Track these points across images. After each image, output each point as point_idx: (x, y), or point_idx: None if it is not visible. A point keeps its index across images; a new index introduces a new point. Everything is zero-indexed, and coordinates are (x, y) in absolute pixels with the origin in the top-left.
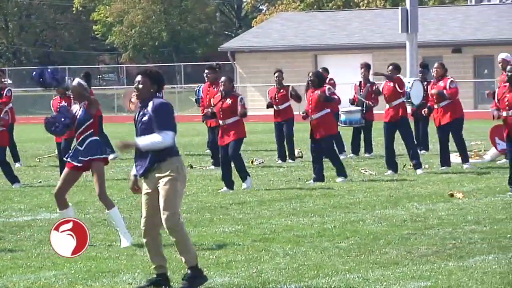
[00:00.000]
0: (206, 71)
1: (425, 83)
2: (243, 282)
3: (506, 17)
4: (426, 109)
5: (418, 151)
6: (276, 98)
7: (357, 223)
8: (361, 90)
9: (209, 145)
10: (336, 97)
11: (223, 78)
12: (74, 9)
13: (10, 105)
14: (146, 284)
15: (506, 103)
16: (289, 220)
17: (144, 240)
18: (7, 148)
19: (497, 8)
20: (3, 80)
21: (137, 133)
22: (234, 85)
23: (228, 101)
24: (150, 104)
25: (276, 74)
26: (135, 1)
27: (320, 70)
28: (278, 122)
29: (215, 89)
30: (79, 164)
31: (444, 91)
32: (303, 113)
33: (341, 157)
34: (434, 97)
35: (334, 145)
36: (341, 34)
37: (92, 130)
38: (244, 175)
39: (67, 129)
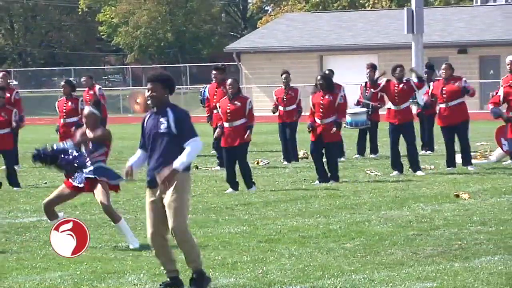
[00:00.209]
0: (214, 71)
1: (431, 83)
2: (249, 283)
3: None
4: (431, 99)
5: (424, 152)
6: (284, 99)
7: (363, 224)
8: (367, 91)
9: (214, 145)
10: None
11: (229, 81)
12: (79, 10)
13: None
14: None
15: None
16: (294, 221)
17: (153, 249)
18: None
19: (503, 8)
20: (8, 81)
21: (150, 139)
22: (240, 86)
23: (236, 103)
24: (169, 113)
25: (284, 76)
26: (140, 2)
27: (327, 71)
28: (283, 123)
29: (224, 90)
30: (80, 185)
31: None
32: (308, 128)
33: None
34: (445, 95)
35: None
36: (346, 35)
37: (103, 157)
38: (249, 183)
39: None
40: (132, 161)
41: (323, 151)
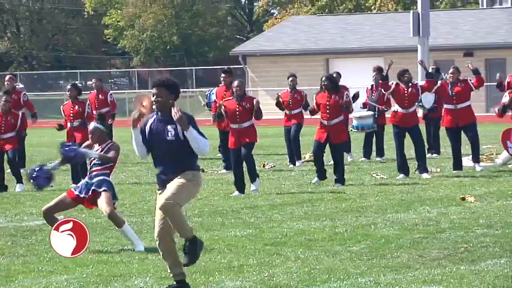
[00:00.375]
0: (223, 75)
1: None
2: (255, 286)
3: None
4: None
5: (430, 155)
6: (290, 102)
7: (369, 227)
8: (373, 94)
9: (220, 148)
10: (352, 107)
11: (236, 82)
12: (85, 13)
13: (23, 110)
14: None
15: None
16: (300, 224)
17: (160, 251)
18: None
19: (509, 11)
20: (15, 84)
21: (158, 145)
22: (246, 89)
23: (244, 104)
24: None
25: (291, 79)
26: (146, 5)
27: (334, 75)
28: (289, 126)
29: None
30: (81, 195)
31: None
32: (310, 111)
33: (349, 159)
34: (455, 96)
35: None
36: (352, 38)
37: (108, 171)
38: (254, 176)
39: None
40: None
41: (330, 152)
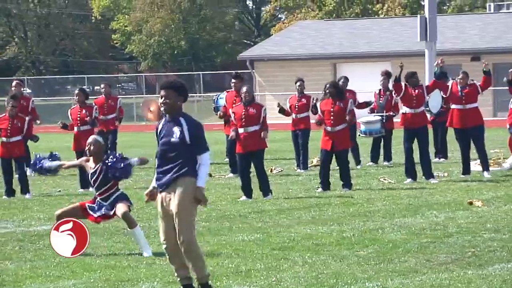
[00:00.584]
0: (233, 80)
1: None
2: None
3: None
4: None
5: (438, 159)
6: (296, 106)
7: (376, 232)
8: (381, 99)
9: (227, 153)
10: (355, 119)
11: (245, 88)
12: (93, 18)
13: (29, 116)
14: None
15: None
16: (308, 229)
17: (167, 255)
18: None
19: None
20: (22, 89)
21: (163, 147)
22: (253, 93)
23: (252, 109)
24: (183, 123)
25: (298, 83)
26: (154, 10)
27: (342, 79)
28: (296, 130)
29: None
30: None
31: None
32: (317, 122)
33: (358, 166)
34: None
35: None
36: (360, 42)
37: (115, 187)
38: (266, 192)
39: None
40: (154, 183)
41: (335, 158)
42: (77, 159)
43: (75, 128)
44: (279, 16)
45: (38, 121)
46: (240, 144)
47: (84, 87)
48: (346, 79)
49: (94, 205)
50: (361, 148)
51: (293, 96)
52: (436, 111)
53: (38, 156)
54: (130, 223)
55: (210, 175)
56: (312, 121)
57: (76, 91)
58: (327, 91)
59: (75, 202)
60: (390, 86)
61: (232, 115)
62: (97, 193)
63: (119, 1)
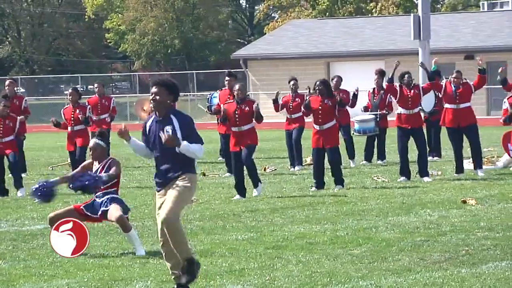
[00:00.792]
0: (227, 78)
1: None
2: None
3: None
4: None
5: (431, 158)
6: (291, 106)
7: (370, 230)
8: (375, 98)
9: (222, 152)
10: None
11: (237, 86)
12: (86, 17)
13: (22, 116)
14: None
15: None
16: (301, 228)
17: (163, 251)
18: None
19: (509, 14)
20: (15, 89)
21: (156, 146)
22: (247, 92)
23: (245, 107)
24: (174, 120)
25: (292, 82)
26: (147, 9)
27: (335, 79)
28: (290, 130)
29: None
30: (89, 213)
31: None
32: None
33: (352, 165)
34: (458, 96)
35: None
36: (353, 41)
37: (115, 188)
38: (255, 182)
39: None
40: (134, 138)
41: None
42: (70, 158)
43: (69, 128)
44: (273, 15)
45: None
46: (234, 143)
47: (77, 86)
48: (340, 78)
49: (91, 203)
50: (355, 147)
51: (287, 95)
52: (429, 110)
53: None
54: (125, 227)
55: (204, 174)
56: (308, 120)
57: (70, 91)
58: (317, 88)
59: (69, 202)
60: (384, 86)
61: (224, 111)
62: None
63: (112, 0)
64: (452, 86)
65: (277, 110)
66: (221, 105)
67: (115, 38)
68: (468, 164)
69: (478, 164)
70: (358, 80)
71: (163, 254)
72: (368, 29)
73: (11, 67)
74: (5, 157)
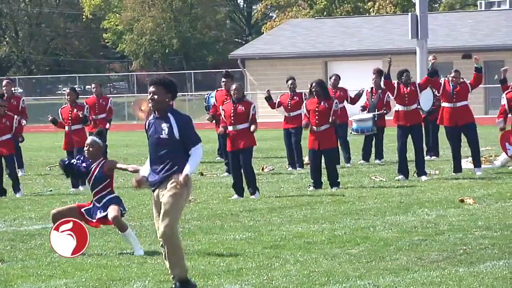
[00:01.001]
0: (224, 79)
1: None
2: None
3: None
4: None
5: (429, 157)
6: (289, 105)
7: (368, 230)
8: (373, 97)
9: (219, 152)
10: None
11: (234, 86)
12: (84, 17)
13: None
14: None
15: None
16: (299, 227)
17: (162, 252)
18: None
19: (507, 13)
20: (12, 89)
21: (153, 145)
22: (244, 92)
23: (241, 107)
24: (171, 119)
25: (290, 82)
26: (145, 9)
27: (333, 77)
28: (288, 129)
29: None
30: (92, 220)
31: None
32: (304, 126)
33: (348, 164)
34: (455, 95)
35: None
36: (351, 41)
37: (109, 188)
38: (253, 189)
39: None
40: (145, 172)
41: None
42: (68, 158)
43: (66, 128)
44: (270, 14)
45: (24, 122)
46: (230, 142)
47: (75, 86)
48: (338, 77)
49: (90, 208)
50: (352, 146)
51: (284, 94)
52: (427, 109)
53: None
54: (120, 227)
55: (202, 174)
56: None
57: (67, 90)
58: (313, 90)
59: (66, 201)
60: (382, 84)
61: (222, 113)
62: (92, 193)
63: (110, 0)
64: (451, 85)
65: (273, 107)
66: (220, 107)
67: (112, 38)
68: (466, 163)
69: (477, 163)
70: (356, 79)
71: (163, 254)
72: (365, 28)
73: (9, 67)
74: (3, 158)
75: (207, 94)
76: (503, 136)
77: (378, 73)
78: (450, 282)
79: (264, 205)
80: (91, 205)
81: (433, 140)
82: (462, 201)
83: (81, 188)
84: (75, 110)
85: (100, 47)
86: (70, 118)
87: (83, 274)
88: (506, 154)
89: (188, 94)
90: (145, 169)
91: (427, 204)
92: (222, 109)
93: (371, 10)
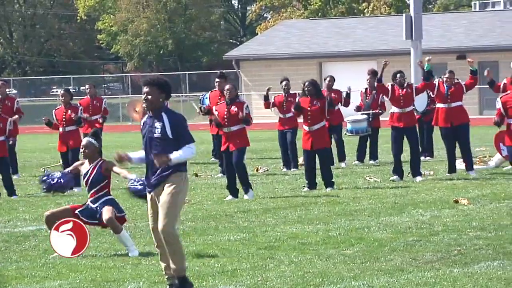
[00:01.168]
0: (217, 79)
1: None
2: None
3: (510, 23)
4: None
5: (424, 157)
6: (284, 106)
7: (362, 230)
8: (367, 98)
9: (214, 153)
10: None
11: (228, 86)
12: (78, 18)
13: (16, 116)
14: None
15: None
16: (294, 228)
17: (158, 252)
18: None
19: (501, 14)
20: (7, 90)
21: (147, 145)
22: (238, 93)
23: (234, 108)
24: (164, 118)
25: (284, 83)
26: (139, 10)
27: (328, 79)
28: (283, 130)
29: None
30: (88, 221)
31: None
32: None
33: (343, 165)
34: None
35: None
36: (345, 41)
37: (106, 190)
38: (246, 187)
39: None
40: (132, 154)
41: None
42: (62, 160)
43: (60, 129)
44: (265, 15)
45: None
46: (224, 143)
47: (69, 87)
48: (332, 78)
49: (84, 210)
50: (347, 147)
51: (279, 95)
52: (422, 110)
53: (48, 173)
54: (114, 228)
55: (196, 175)
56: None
57: (62, 92)
58: (305, 89)
59: (61, 203)
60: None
61: (216, 113)
62: (89, 194)
63: (104, 1)
64: (445, 86)
65: (266, 107)
66: (213, 107)
67: (107, 39)
68: (460, 164)
69: (469, 165)
70: (351, 80)
71: (158, 254)
72: (360, 29)
73: (3, 69)
74: None
75: (202, 95)
76: (497, 136)
77: (373, 74)
78: (445, 282)
79: (258, 206)
80: (84, 206)
81: (428, 141)
82: (456, 201)
83: (75, 189)
84: (69, 111)
85: (95, 48)
86: (64, 119)
87: (77, 275)
88: (501, 154)
89: (182, 95)
90: (134, 153)
91: (421, 205)
92: (216, 110)
93: (365, 11)
